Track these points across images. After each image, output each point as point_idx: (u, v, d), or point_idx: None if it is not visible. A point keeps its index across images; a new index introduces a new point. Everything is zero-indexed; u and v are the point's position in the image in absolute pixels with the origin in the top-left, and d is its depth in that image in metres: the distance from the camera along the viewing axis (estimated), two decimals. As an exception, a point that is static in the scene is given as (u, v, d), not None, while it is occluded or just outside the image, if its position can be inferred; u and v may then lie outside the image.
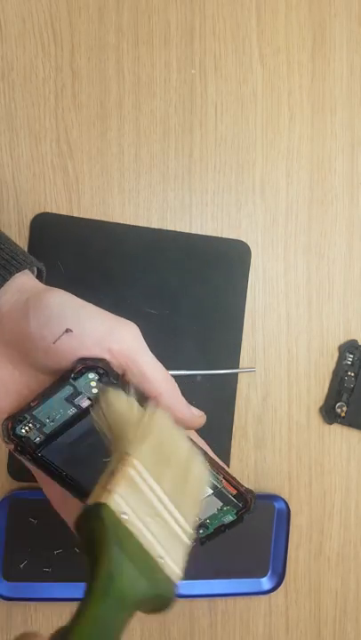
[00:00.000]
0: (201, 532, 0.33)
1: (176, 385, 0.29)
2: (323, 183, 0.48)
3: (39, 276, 0.32)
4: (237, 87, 0.47)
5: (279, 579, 0.47)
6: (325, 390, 0.49)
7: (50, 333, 0.27)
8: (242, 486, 0.31)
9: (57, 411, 0.27)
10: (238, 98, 0.47)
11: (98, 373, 0.27)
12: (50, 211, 0.43)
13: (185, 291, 0.45)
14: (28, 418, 0.27)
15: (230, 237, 0.47)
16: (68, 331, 0.27)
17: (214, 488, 0.30)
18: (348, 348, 0.48)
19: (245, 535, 0.46)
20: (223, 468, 0.31)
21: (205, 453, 0.29)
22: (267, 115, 0.47)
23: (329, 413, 0.48)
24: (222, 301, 0.46)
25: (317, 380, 0.49)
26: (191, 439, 0.28)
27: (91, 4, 0.44)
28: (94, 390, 0.27)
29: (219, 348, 0.46)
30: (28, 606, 0.44)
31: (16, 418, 0.27)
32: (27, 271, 0.29)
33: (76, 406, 0.28)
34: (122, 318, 0.29)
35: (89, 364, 0.27)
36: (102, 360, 0.27)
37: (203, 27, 0.46)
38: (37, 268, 0.31)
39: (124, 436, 0.25)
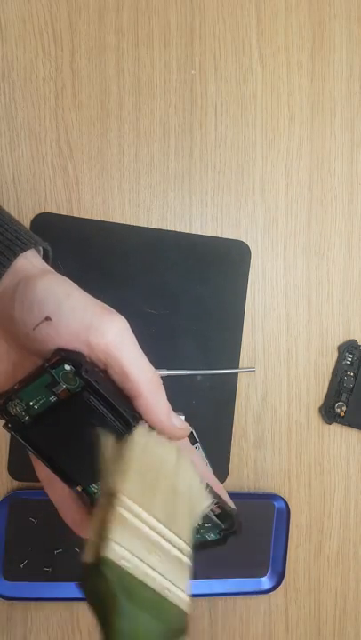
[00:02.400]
0: None
1: (161, 388, 0.28)
2: (322, 183, 0.48)
3: (46, 257, 0.31)
4: (237, 88, 0.47)
5: (279, 578, 0.47)
6: (325, 390, 0.49)
7: (30, 319, 0.26)
8: (228, 506, 0.30)
9: (40, 396, 0.27)
10: (238, 98, 0.47)
11: (74, 365, 0.26)
12: (50, 211, 0.43)
13: (185, 291, 0.45)
14: (14, 399, 0.27)
15: (230, 237, 0.47)
16: (47, 319, 0.26)
17: None
18: (348, 347, 0.49)
19: (245, 535, 0.46)
20: (208, 485, 0.30)
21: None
22: (266, 115, 0.47)
23: (328, 413, 0.48)
24: (222, 301, 0.46)
25: (317, 380, 0.49)
26: (178, 449, 0.28)
27: (91, 4, 0.44)
28: (72, 382, 0.27)
29: (219, 348, 0.46)
30: (28, 606, 0.44)
31: (4, 396, 0.27)
32: (30, 252, 0.29)
33: (56, 395, 0.27)
34: (109, 311, 0.27)
35: (64, 356, 0.26)
36: (79, 353, 0.26)
37: (203, 27, 0.46)
38: (43, 248, 0.31)
39: (106, 471, 0.25)
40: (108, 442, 0.26)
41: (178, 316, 0.45)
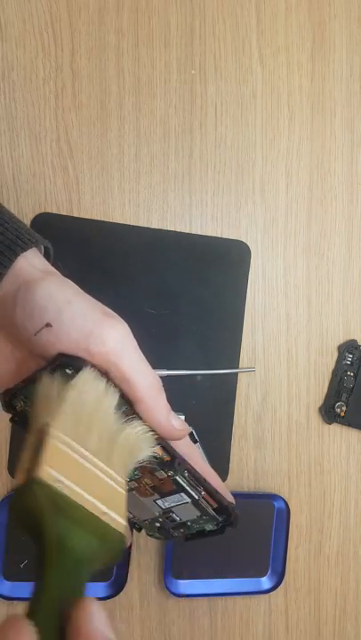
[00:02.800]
0: (182, 530, 0.33)
1: (161, 391, 0.28)
2: (322, 183, 0.48)
3: (47, 255, 0.31)
4: (237, 88, 0.47)
5: (279, 578, 0.47)
6: (325, 390, 0.49)
7: (31, 325, 0.26)
8: (225, 500, 0.30)
9: None
10: (238, 98, 0.47)
11: (75, 370, 0.26)
12: (50, 211, 0.43)
13: (185, 291, 0.45)
14: (19, 395, 0.28)
15: (230, 237, 0.47)
16: (48, 325, 0.26)
17: (191, 498, 0.30)
18: (348, 347, 0.49)
19: (245, 535, 0.46)
20: (206, 480, 0.30)
21: (187, 466, 0.29)
22: (266, 115, 0.47)
23: (328, 413, 0.48)
24: (222, 301, 0.46)
25: (317, 380, 0.49)
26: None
27: (91, 4, 0.44)
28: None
29: (219, 348, 0.46)
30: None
31: (10, 392, 0.28)
32: (31, 251, 0.29)
33: None
34: (110, 317, 0.27)
35: (64, 362, 0.26)
36: (79, 358, 0.27)
37: (203, 27, 0.46)
38: (44, 247, 0.31)
39: (41, 411, 0.25)
40: (47, 381, 0.26)
41: (178, 315, 0.45)
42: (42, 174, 0.43)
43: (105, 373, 0.27)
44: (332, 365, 0.49)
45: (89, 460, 0.24)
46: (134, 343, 0.28)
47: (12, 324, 0.27)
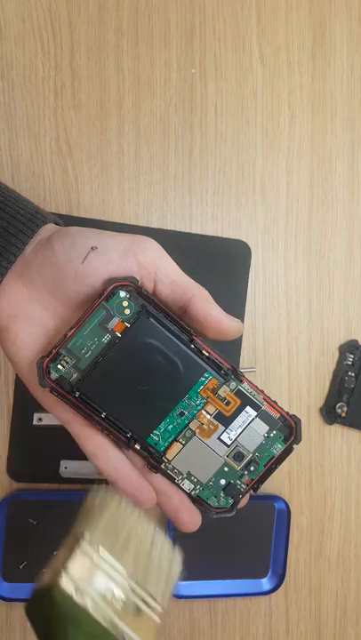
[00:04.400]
0: (252, 469, 0.31)
1: (208, 292, 0.30)
2: (323, 183, 0.48)
3: None
4: (237, 86, 0.47)
5: (279, 579, 0.46)
6: (326, 390, 0.49)
7: (76, 255, 0.27)
8: (284, 410, 0.31)
9: (92, 339, 0.28)
10: (238, 97, 0.47)
11: (128, 291, 0.27)
12: (49, 210, 0.43)
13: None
14: (63, 353, 0.28)
15: (230, 237, 0.46)
16: (93, 248, 0.27)
17: (257, 409, 0.30)
18: (349, 348, 0.48)
19: (246, 536, 0.46)
20: (263, 391, 0.30)
21: (241, 374, 0.30)
22: (267, 114, 0.47)
23: (329, 414, 0.48)
24: (222, 301, 0.46)
25: (318, 381, 0.48)
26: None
27: (90, 3, 0.44)
28: (127, 311, 0.28)
29: (219, 348, 0.46)
30: (27, 607, 0.44)
31: (51, 354, 0.28)
32: (49, 224, 0.30)
33: (110, 332, 0.28)
34: (140, 235, 0.29)
35: (118, 283, 0.27)
36: (131, 277, 0.28)
37: (203, 26, 0.46)
38: (57, 224, 0.32)
39: (79, 524, 0.25)
40: (91, 496, 0.26)
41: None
42: (41, 173, 0.43)
43: (153, 281, 0.28)
44: (332, 366, 0.49)
45: (122, 577, 0.24)
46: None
47: (52, 266, 0.28)
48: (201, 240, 0.46)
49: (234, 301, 0.46)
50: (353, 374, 0.48)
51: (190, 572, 0.45)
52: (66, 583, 0.22)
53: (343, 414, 0.48)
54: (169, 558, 0.26)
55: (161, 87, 0.45)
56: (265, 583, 0.47)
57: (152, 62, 0.45)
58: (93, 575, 0.23)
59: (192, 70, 0.46)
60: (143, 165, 0.45)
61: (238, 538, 0.46)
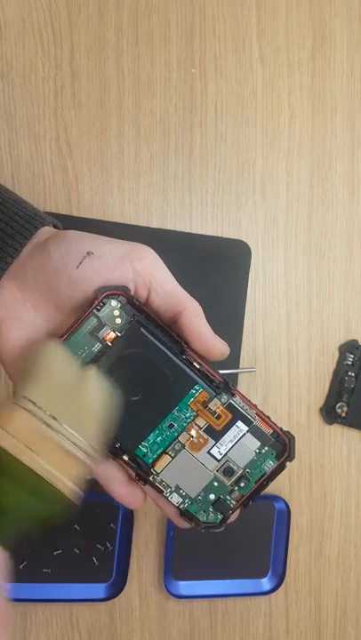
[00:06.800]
0: (242, 485, 0.30)
1: (200, 307, 0.29)
2: (323, 183, 0.48)
3: None
4: (237, 86, 0.46)
5: (279, 579, 0.46)
6: (326, 390, 0.49)
7: (72, 259, 0.27)
8: (277, 426, 0.30)
9: (82, 348, 0.28)
10: (238, 97, 0.47)
11: (120, 300, 0.27)
12: (49, 210, 0.43)
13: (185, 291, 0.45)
14: None
15: (230, 237, 0.46)
16: (89, 254, 0.27)
17: (249, 424, 0.29)
18: (349, 348, 0.48)
19: (246, 536, 0.46)
20: (256, 406, 0.30)
21: (234, 388, 0.29)
22: (267, 114, 0.47)
23: (329, 413, 0.48)
24: (222, 301, 0.46)
25: (318, 381, 0.48)
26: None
27: (90, 3, 0.44)
28: (118, 320, 0.28)
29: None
30: (27, 607, 0.44)
31: None
32: (47, 227, 0.30)
33: (100, 341, 0.28)
34: (137, 243, 0.29)
35: (110, 292, 0.27)
36: (123, 287, 0.27)
37: (203, 26, 0.46)
38: (55, 226, 0.32)
39: (19, 382, 0.26)
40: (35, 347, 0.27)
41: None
42: (41, 173, 0.43)
43: (147, 289, 0.28)
44: (332, 366, 0.49)
45: (53, 426, 0.25)
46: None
47: (47, 270, 0.27)
48: (201, 240, 0.46)
49: (234, 301, 0.46)
50: (353, 374, 0.48)
51: (190, 573, 0.45)
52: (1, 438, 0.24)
53: (343, 414, 0.48)
54: (100, 399, 0.27)
55: (161, 87, 0.45)
56: (265, 583, 0.47)
57: (152, 62, 0.45)
58: (24, 424, 0.24)
59: (192, 70, 0.46)
60: (143, 165, 0.45)
61: (238, 538, 0.46)
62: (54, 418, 0.25)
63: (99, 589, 0.44)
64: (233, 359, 0.46)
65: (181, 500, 0.30)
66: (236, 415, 0.29)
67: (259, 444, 0.30)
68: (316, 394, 0.48)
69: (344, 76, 0.49)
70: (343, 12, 0.48)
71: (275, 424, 0.30)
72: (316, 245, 0.48)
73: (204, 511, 0.30)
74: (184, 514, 0.30)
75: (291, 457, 0.30)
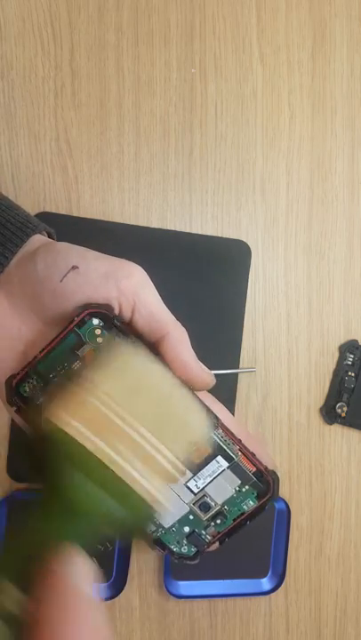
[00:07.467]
0: (219, 522, 0.29)
1: (185, 332, 0.28)
2: (323, 183, 0.48)
3: None
4: (237, 86, 0.46)
5: (279, 579, 0.46)
6: (326, 390, 0.49)
7: (56, 272, 0.26)
8: (262, 464, 0.28)
9: (61, 364, 0.27)
10: (238, 97, 0.47)
11: (102, 319, 0.26)
12: (49, 210, 0.43)
13: (184, 290, 0.45)
14: (32, 375, 0.27)
15: (230, 237, 0.46)
16: (74, 268, 0.26)
17: (229, 460, 0.28)
18: (349, 347, 0.48)
19: (246, 536, 0.46)
20: (240, 441, 0.28)
21: (218, 421, 0.28)
22: (267, 114, 0.47)
23: (329, 413, 0.48)
24: (222, 301, 0.46)
25: (318, 381, 0.48)
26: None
27: (90, 3, 0.44)
28: (99, 340, 0.27)
29: (219, 347, 0.46)
30: (27, 607, 0.44)
31: (20, 375, 0.27)
32: (38, 235, 0.30)
33: (80, 359, 0.27)
34: (126, 260, 0.28)
35: (94, 309, 0.26)
36: (106, 305, 0.26)
37: (203, 26, 0.46)
38: (48, 233, 0.32)
39: (90, 367, 0.24)
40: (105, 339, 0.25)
41: (177, 315, 0.45)
42: (41, 173, 0.43)
43: (131, 309, 0.27)
44: (332, 366, 0.49)
45: (134, 428, 0.23)
46: (152, 284, 0.28)
47: (33, 280, 0.27)
48: (201, 240, 0.46)
49: (234, 301, 0.46)
50: (353, 374, 0.48)
51: (190, 573, 0.45)
52: (69, 428, 0.22)
53: (343, 414, 0.48)
54: (192, 416, 0.25)
55: (161, 87, 0.45)
56: (265, 583, 0.47)
57: (152, 62, 0.45)
58: (99, 418, 0.22)
59: (192, 70, 0.46)
60: (143, 165, 0.45)
61: (238, 538, 0.46)
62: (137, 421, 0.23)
63: (99, 589, 0.44)
64: (233, 359, 0.46)
65: (155, 528, 0.29)
66: (216, 450, 0.28)
67: (239, 482, 0.29)
68: (316, 394, 0.48)
69: (344, 76, 0.49)
70: (343, 12, 0.48)
71: (259, 462, 0.29)
72: (316, 245, 0.48)
73: (178, 542, 0.30)
74: (156, 542, 0.29)
75: (274, 497, 0.29)
